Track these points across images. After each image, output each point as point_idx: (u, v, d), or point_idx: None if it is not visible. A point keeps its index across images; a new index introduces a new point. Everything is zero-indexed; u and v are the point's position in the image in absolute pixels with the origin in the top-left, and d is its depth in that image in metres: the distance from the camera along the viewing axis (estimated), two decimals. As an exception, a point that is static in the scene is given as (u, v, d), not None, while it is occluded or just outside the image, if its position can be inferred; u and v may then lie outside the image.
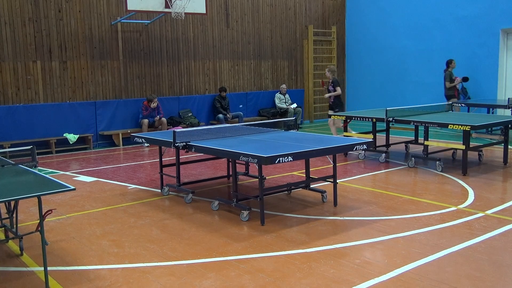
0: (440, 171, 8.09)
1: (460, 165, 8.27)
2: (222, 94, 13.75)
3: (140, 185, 7.70)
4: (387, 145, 9.56)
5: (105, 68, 12.22)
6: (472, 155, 8.99)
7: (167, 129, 11.92)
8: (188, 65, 13.69)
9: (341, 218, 5.77)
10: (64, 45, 11.57)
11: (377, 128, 9.56)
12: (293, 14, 16.01)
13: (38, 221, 3.99)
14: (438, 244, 4.80)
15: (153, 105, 12.13)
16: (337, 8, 17.18)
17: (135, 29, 12.60)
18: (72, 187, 4.00)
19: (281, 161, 5.13)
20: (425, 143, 8.40)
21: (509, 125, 8.72)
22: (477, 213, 5.79)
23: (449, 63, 12.64)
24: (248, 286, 3.98)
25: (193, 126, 12.32)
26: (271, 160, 5.07)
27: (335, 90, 10.76)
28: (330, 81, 10.87)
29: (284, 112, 14.83)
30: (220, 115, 13.52)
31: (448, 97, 12.55)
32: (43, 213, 4.01)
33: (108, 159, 10.30)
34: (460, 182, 7.40)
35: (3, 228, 5.27)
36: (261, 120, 13.39)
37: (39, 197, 3.85)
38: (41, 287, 4.04)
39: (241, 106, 14.36)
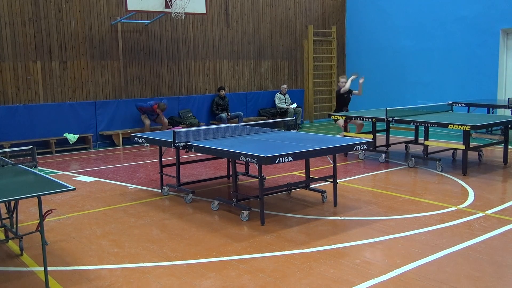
0: (440, 171, 8.09)
1: (460, 165, 8.27)
2: (221, 94, 13.74)
3: (140, 185, 7.70)
4: (387, 145, 9.55)
5: (105, 68, 12.22)
6: (472, 155, 8.99)
7: (167, 129, 11.92)
8: (188, 65, 13.68)
9: (341, 218, 5.77)
10: (64, 45, 11.57)
11: (377, 128, 9.57)
12: (293, 14, 16.00)
13: (38, 221, 3.99)
14: (438, 244, 4.80)
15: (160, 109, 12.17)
16: (337, 8, 17.18)
17: (135, 29, 12.60)
18: (72, 187, 4.00)
19: (281, 161, 5.13)
20: (425, 143, 8.40)
21: (509, 125, 8.73)
22: (477, 213, 5.79)
23: None
24: (248, 286, 3.98)
25: (193, 126, 12.32)
26: (271, 160, 5.08)
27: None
28: None
29: (284, 112, 14.83)
30: (223, 115, 13.52)
31: None
32: (43, 213, 4.01)
33: (108, 159, 10.30)
34: (460, 182, 7.40)
35: (3, 228, 5.26)
36: (261, 120, 13.39)
37: (39, 197, 3.85)
38: (41, 287, 4.04)
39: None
